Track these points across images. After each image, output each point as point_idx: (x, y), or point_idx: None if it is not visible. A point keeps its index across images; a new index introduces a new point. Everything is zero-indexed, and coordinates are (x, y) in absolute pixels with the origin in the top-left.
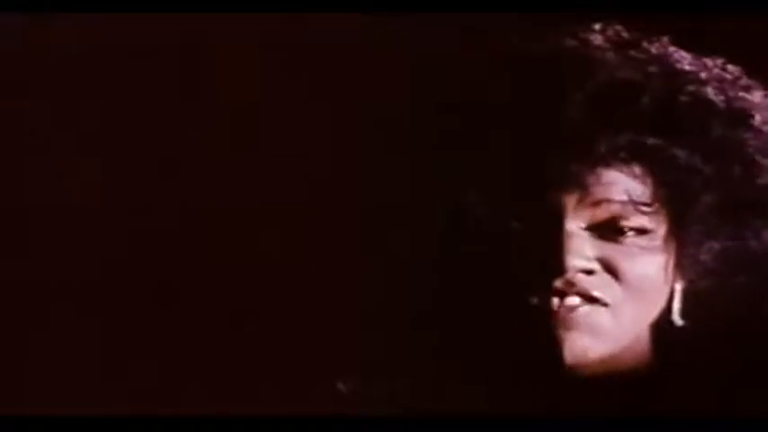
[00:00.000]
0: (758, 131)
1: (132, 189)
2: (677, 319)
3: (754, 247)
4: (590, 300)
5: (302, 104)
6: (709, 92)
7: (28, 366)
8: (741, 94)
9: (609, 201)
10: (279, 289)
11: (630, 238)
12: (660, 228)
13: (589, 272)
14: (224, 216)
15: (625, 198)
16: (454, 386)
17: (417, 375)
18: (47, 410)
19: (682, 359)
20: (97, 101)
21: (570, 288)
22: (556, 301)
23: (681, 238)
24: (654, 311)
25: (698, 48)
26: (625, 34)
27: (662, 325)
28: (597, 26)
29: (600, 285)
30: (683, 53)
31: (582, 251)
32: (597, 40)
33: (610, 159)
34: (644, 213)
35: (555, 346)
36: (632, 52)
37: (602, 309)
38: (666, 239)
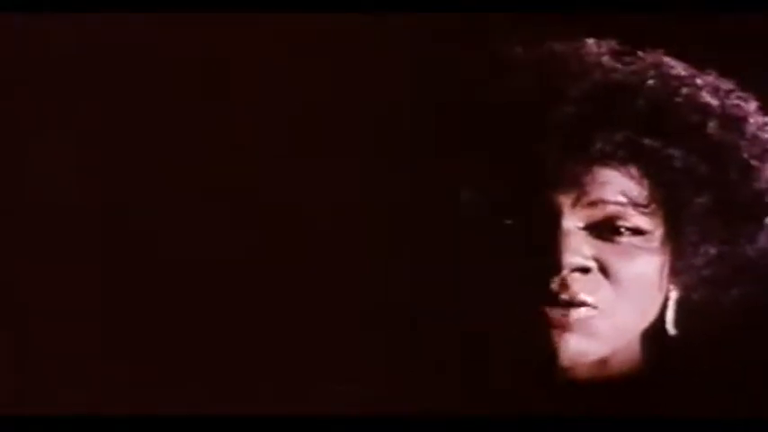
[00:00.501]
0: (753, 137)
1: (132, 189)
2: (671, 328)
3: (749, 253)
4: (584, 297)
5: (302, 104)
6: (704, 95)
7: (28, 366)
8: (736, 101)
9: (605, 200)
10: (279, 289)
11: (627, 238)
12: (657, 230)
13: (585, 270)
14: (224, 216)
15: (621, 198)
16: (447, 385)
17: (411, 375)
18: (47, 410)
19: (672, 368)
20: (97, 101)
21: (564, 290)
22: (550, 298)
23: (677, 240)
24: (647, 317)
25: (692, 62)
26: (618, 47)
27: (653, 334)
28: (591, 40)
29: (595, 286)
30: (677, 62)
31: (579, 249)
32: (593, 47)
33: (606, 159)
34: (640, 214)
35: (550, 347)
36: (627, 58)
37: (597, 311)
38: (663, 242)
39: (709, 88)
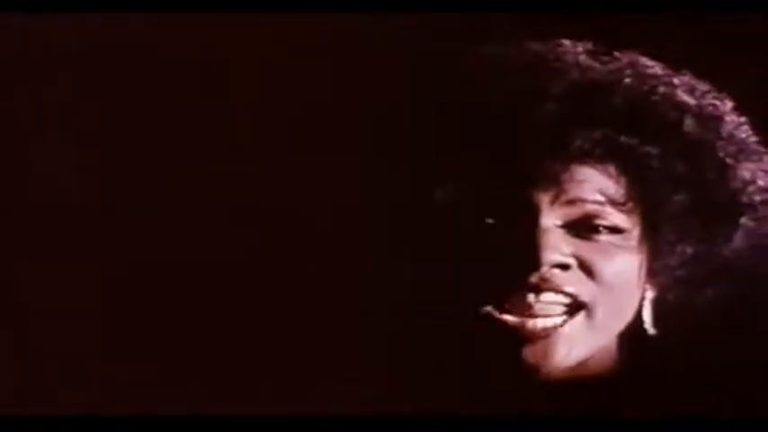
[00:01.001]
0: (729, 136)
1: (132, 189)
2: (650, 328)
3: (725, 253)
4: (564, 295)
5: (302, 104)
6: (681, 94)
7: (28, 366)
8: (711, 101)
9: (583, 199)
10: (278, 289)
11: (605, 236)
12: (635, 228)
13: (565, 267)
14: (224, 216)
15: (599, 196)
16: (426, 385)
17: (390, 375)
18: (47, 410)
19: (648, 368)
20: (97, 101)
21: (545, 284)
22: (531, 297)
23: (654, 239)
24: (626, 316)
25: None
26: (595, 47)
27: (630, 334)
28: (567, 42)
29: (574, 282)
30: (654, 62)
31: (558, 246)
32: (569, 47)
33: (584, 157)
34: (618, 212)
35: (528, 353)
36: (604, 58)
37: (577, 316)
38: (641, 241)
39: (686, 87)
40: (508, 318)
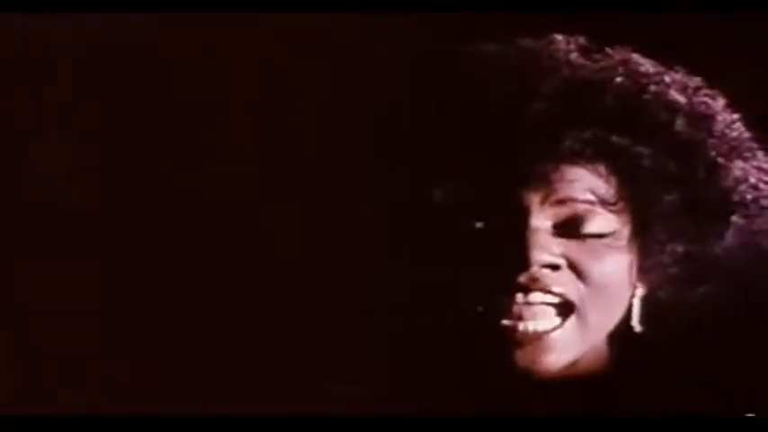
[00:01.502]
0: (721, 135)
1: (132, 189)
2: (637, 325)
3: (716, 252)
4: (553, 295)
5: (302, 104)
6: (673, 93)
7: (28, 366)
8: (703, 98)
9: (573, 199)
10: (278, 289)
11: (595, 236)
12: (624, 228)
13: (554, 267)
14: (224, 216)
15: (589, 196)
16: (419, 385)
17: (384, 375)
18: (47, 410)
19: (638, 366)
20: (97, 101)
21: (534, 284)
22: (520, 296)
23: (644, 238)
24: (616, 315)
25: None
26: (586, 43)
27: (620, 332)
28: (560, 37)
29: (564, 282)
30: (646, 59)
31: (547, 246)
32: (561, 44)
33: (574, 157)
34: (609, 212)
35: (519, 356)
36: (596, 55)
37: (568, 319)
38: (631, 241)
39: (677, 86)
40: (501, 321)
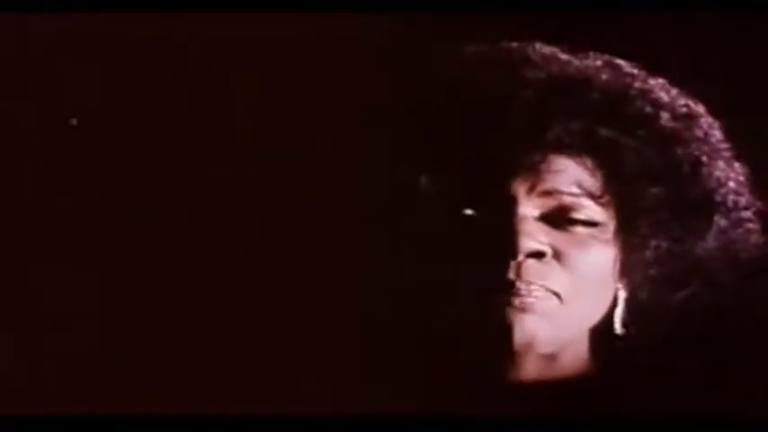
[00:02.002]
0: (705, 135)
1: (132, 189)
2: (618, 326)
3: (698, 252)
4: (538, 285)
5: (301, 104)
6: (657, 91)
7: (28, 366)
8: (685, 102)
9: (560, 191)
10: (278, 289)
11: (581, 228)
12: (610, 222)
13: (541, 255)
14: (224, 216)
15: (575, 188)
16: (402, 378)
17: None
18: (47, 410)
19: (620, 366)
20: (97, 101)
21: (520, 272)
22: (506, 285)
23: (629, 232)
24: (599, 310)
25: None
26: (571, 47)
27: (601, 332)
28: (538, 45)
29: (549, 272)
30: (629, 64)
31: (534, 234)
32: (545, 48)
33: (562, 147)
34: (595, 205)
35: (505, 327)
36: (581, 55)
37: (553, 297)
38: (616, 234)
39: (660, 86)
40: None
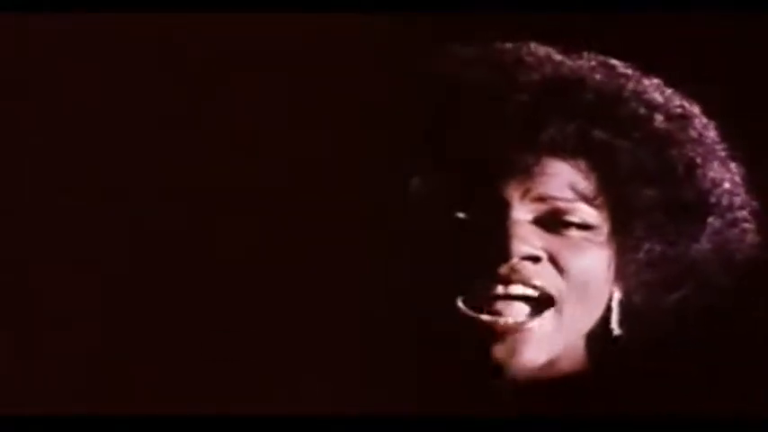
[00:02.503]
0: (699, 136)
1: (132, 189)
2: (616, 328)
3: (692, 254)
4: (534, 288)
5: (301, 104)
6: (651, 92)
7: (28, 366)
8: (680, 102)
9: (554, 195)
10: (278, 289)
11: (575, 231)
12: (604, 224)
13: (535, 259)
14: (224, 216)
15: (569, 193)
16: (394, 381)
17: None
18: (47, 410)
19: (616, 369)
20: (97, 101)
21: (515, 275)
22: (500, 288)
23: (623, 234)
24: (595, 314)
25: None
26: (566, 48)
27: (597, 335)
28: (533, 45)
29: (544, 275)
30: (623, 64)
31: (528, 238)
32: (540, 48)
33: (556, 150)
34: (589, 207)
35: (499, 355)
36: (575, 55)
37: (546, 312)
38: (610, 237)
39: (655, 87)
40: (480, 316)
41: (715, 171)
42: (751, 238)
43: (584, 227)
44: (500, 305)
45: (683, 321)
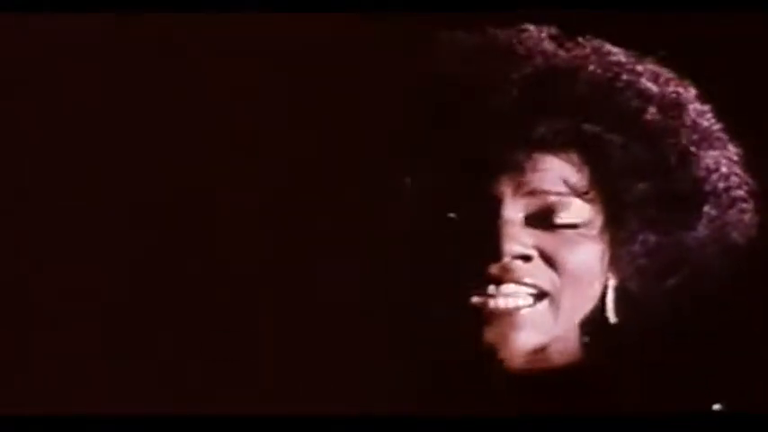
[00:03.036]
0: (693, 124)
1: (132, 190)
2: (611, 316)
3: (688, 242)
4: (527, 286)
5: (301, 105)
6: (644, 82)
7: (28, 366)
8: (675, 88)
9: (545, 190)
10: (278, 289)
11: (567, 226)
12: (597, 218)
13: (526, 258)
14: (223, 216)
15: (561, 187)
16: (386, 380)
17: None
18: (47, 410)
19: (610, 356)
20: (97, 101)
21: (507, 275)
22: (492, 288)
23: (616, 227)
24: (587, 305)
25: (630, 47)
26: (558, 32)
27: (591, 322)
28: (531, 27)
29: (536, 273)
30: (618, 49)
31: (519, 237)
32: (533, 33)
33: (547, 146)
34: (581, 201)
35: (490, 340)
36: (568, 44)
37: (540, 302)
38: (603, 230)
39: (649, 74)
40: (472, 299)
41: (710, 157)
42: (749, 218)
43: (576, 222)
44: (493, 301)
45: (680, 307)
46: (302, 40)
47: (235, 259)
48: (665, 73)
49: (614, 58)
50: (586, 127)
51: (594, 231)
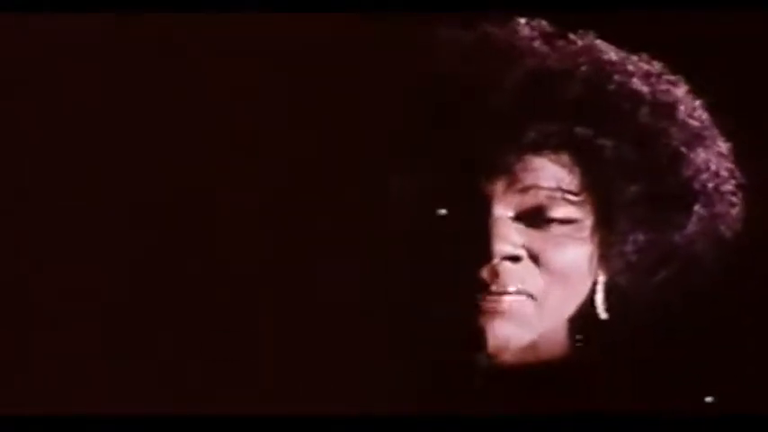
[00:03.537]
0: (683, 123)
1: (132, 190)
2: (602, 312)
3: (677, 240)
4: (515, 290)
5: (301, 105)
6: (636, 82)
7: (28, 367)
8: (666, 86)
9: (537, 188)
10: (278, 289)
11: (557, 226)
12: (587, 218)
13: (515, 258)
14: (223, 216)
15: (553, 186)
16: (374, 378)
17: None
18: (47, 410)
19: (599, 352)
20: (97, 101)
21: (494, 278)
22: (483, 289)
23: (607, 228)
24: (575, 303)
25: (622, 44)
26: (550, 29)
27: (580, 318)
28: (522, 20)
29: (524, 276)
30: (609, 46)
31: (509, 237)
32: (524, 30)
33: (538, 147)
34: (571, 203)
35: (478, 333)
36: (560, 43)
37: (529, 299)
38: (593, 231)
39: (640, 74)
40: (465, 298)
41: (700, 155)
42: (737, 212)
43: (567, 221)
44: (482, 302)
45: (670, 302)
46: (302, 40)
47: (235, 259)
48: (657, 69)
49: (605, 57)
50: (578, 129)
51: (585, 232)
